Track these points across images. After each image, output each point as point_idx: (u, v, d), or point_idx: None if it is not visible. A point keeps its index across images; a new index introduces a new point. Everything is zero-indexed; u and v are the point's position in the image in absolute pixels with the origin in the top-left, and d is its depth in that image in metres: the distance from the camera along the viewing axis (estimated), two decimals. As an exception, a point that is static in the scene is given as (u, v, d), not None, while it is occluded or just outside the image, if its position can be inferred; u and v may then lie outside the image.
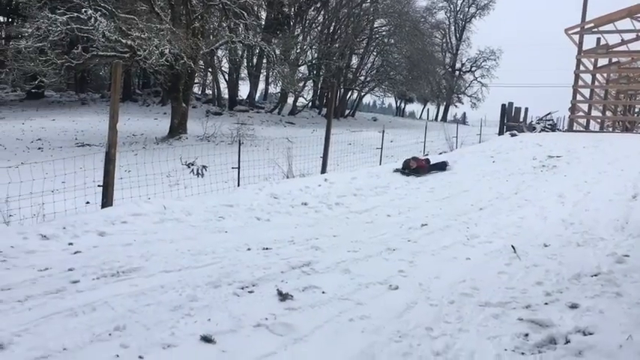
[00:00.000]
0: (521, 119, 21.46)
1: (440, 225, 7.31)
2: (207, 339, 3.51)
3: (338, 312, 4.15)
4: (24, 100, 29.45)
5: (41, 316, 3.78)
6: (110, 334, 3.52)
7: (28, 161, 11.72)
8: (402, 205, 8.88)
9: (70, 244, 5.66)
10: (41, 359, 3.16)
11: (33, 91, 25.39)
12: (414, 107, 59.60)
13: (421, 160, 12.15)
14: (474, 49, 58.52)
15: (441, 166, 12.39)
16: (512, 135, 18.21)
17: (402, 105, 52.66)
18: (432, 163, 12.46)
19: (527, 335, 3.79)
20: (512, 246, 6.04)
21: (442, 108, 51.29)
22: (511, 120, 20.83)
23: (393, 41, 32.34)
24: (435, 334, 3.82)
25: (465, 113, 57.95)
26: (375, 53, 34.28)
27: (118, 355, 3.23)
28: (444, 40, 49.15)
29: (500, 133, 20.09)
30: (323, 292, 4.53)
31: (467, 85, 51.00)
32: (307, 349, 3.52)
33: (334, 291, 4.57)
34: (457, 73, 50.41)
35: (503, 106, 20.80)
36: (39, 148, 16.91)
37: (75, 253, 5.42)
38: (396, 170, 11.76)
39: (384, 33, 33.27)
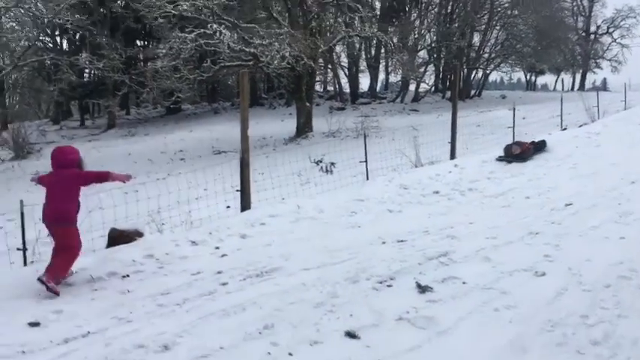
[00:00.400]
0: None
1: (586, 203, 6.82)
2: (351, 334, 3.58)
3: (481, 302, 4.03)
4: (164, 116, 31.87)
5: (198, 317, 4.08)
6: (260, 333, 3.72)
7: (173, 172, 12.68)
8: (542, 185, 8.40)
9: (217, 247, 6.04)
10: (202, 358, 3.41)
11: (171, 106, 27.39)
12: (546, 79, 55.91)
13: (525, 144, 10.55)
14: (610, 8, 53.73)
15: (540, 147, 10.70)
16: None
17: (533, 78, 49.70)
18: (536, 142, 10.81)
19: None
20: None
21: (578, 76, 47.70)
22: (659, 80, 18.86)
23: (516, 12, 30.64)
24: (592, 322, 3.58)
25: (605, 79, 53.29)
26: (497, 28, 32.69)
27: (269, 353, 3.39)
28: (574, 3, 45.64)
29: (648, 96, 18.26)
30: (463, 283, 4.42)
31: (605, 48, 46.95)
32: (452, 342, 3.46)
33: (475, 280, 4.45)
34: (592, 36, 46.59)
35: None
36: (181, 159, 18.21)
37: (222, 256, 5.77)
38: (499, 158, 10.20)
39: (506, 5, 31.61)
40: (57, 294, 4.73)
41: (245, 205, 7.95)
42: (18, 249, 6.45)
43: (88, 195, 9.03)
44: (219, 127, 25.30)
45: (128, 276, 5.26)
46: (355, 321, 3.80)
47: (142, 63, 26.25)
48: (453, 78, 23.82)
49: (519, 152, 10.13)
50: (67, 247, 5.08)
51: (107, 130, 27.35)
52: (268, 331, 3.74)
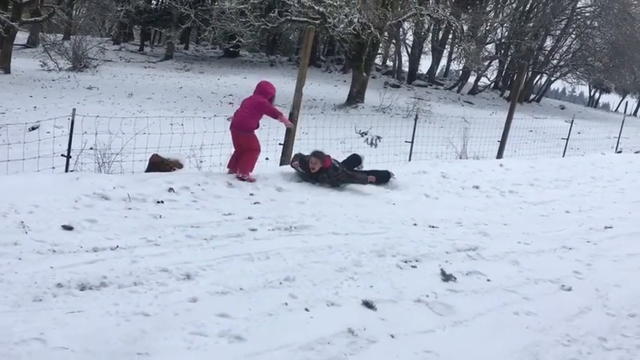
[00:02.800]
0: None
1: (627, 230, 6.63)
2: (368, 304, 3.60)
3: (502, 303, 3.99)
4: (221, 58, 32.01)
5: (223, 255, 4.16)
6: (281, 283, 3.77)
7: (220, 114, 12.79)
8: (584, 202, 8.19)
9: (251, 194, 6.11)
10: (221, 294, 3.48)
11: (230, 49, 27.47)
12: (610, 98, 54.04)
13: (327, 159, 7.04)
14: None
15: (384, 176, 7.49)
16: None
17: (597, 95, 48.14)
18: (367, 170, 7.58)
19: None
20: None
21: (644, 102, 45.93)
22: None
23: (596, 24, 29.50)
24: (609, 346, 3.51)
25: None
26: (573, 36, 31.58)
27: (286, 304, 3.44)
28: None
29: None
30: (488, 280, 4.38)
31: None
32: (467, 334, 3.45)
33: (500, 281, 4.40)
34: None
35: None
36: (230, 103, 18.32)
37: (254, 203, 5.84)
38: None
39: (587, 14, 30.45)
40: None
41: (285, 160, 7.99)
42: (63, 155, 6.65)
43: (138, 118, 9.22)
44: (273, 80, 25.24)
45: (162, 202, 5.38)
46: (374, 293, 3.82)
47: (210, 0, 26.26)
48: (516, 77, 23.20)
49: (317, 170, 6.99)
50: (250, 148, 6.62)
51: (164, 61, 27.64)
52: (289, 283, 3.79)
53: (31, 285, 3.25)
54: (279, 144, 8.16)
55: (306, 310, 3.41)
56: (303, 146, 8.88)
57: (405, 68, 33.34)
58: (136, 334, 2.85)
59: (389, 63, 37.47)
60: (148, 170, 6.70)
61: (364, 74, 20.13)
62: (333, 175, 6.91)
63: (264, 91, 6.78)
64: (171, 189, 5.72)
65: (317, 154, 6.95)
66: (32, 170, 6.18)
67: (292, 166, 7.08)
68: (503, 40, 31.23)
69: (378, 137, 11.76)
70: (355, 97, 20.05)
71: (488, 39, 29.90)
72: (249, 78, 25.08)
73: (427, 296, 3.89)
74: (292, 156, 7.29)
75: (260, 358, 2.78)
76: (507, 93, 31.80)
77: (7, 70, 17.41)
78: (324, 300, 3.58)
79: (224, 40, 23.87)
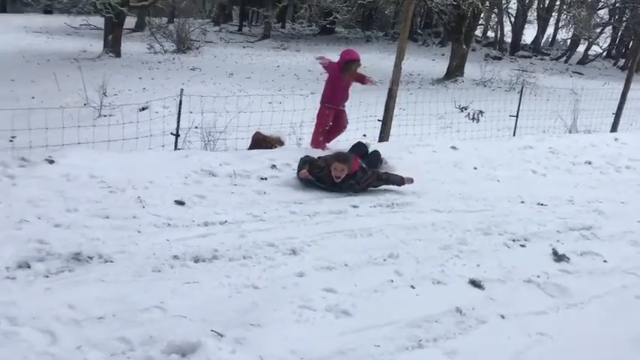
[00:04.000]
0: None
1: None
2: (475, 283, 3.50)
3: (621, 285, 3.75)
4: (317, 35, 32.12)
5: (326, 231, 4.20)
6: (385, 260, 3.76)
7: (317, 91, 12.86)
8: None
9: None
10: (326, 269, 3.53)
11: (327, 26, 27.50)
12: None
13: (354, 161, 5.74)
14: None
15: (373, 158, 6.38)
16: None
17: None
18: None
19: None
20: None
21: None
22: None
23: None
24: None
25: None
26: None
27: (392, 280, 3.43)
28: None
29: None
30: (604, 261, 4.13)
31: None
32: (582, 316, 3.27)
33: (618, 262, 4.13)
34: None
35: None
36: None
37: (356, 180, 5.83)
38: None
39: None
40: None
41: (383, 136, 7.92)
42: (172, 134, 6.98)
43: (239, 97, 9.47)
44: (369, 56, 25.07)
45: (266, 179, 5.50)
46: (481, 272, 3.71)
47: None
48: (632, 45, 21.48)
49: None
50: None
51: (261, 40, 28.16)
52: (392, 260, 3.77)
53: (150, 256, 3.45)
54: (378, 120, 8.09)
55: (412, 287, 3.38)
56: (401, 122, 8.76)
57: (508, 39, 31.82)
58: (248, 306, 2.95)
59: (490, 34, 35.97)
60: (251, 147, 6.88)
61: (464, 47, 19.44)
62: (363, 181, 5.45)
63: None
64: (273, 165, 5.83)
65: (341, 158, 5.39)
66: (145, 148, 6.53)
67: (301, 178, 5.41)
68: (617, 5, 28.91)
69: (481, 112, 11.34)
70: (454, 71, 19.43)
71: (601, 4, 27.81)
72: (345, 54, 24.98)
73: (538, 277, 3.72)
74: (299, 162, 5.57)
75: (367, 334, 2.79)
76: (622, 62, 29.54)
77: (118, 54, 18.46)
78: (429, 278, 3.52)
79: (320, 17, 23.92)
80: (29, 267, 3.13)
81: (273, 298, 3.05)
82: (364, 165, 5.73)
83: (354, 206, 4.90)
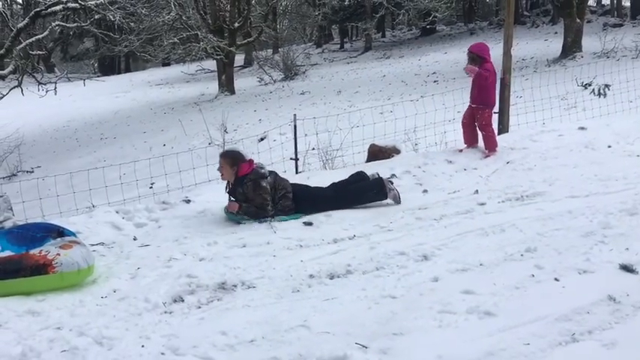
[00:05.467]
0: None
1: None
2: (627, 268, 3.27)
3: None
4: (418, 38, 31.76)
5: (456, 233, 4.13)
6: (522, 255, 3.62)
7: (426, 94, 12.70)
8: None
9: (474, 168, 5.95)
10: (461, 271, 3.47)
11: (427, 27, 27.13)
12: None
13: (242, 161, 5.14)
14: None
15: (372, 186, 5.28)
16: None
17: None
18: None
19: None
20: None
21: None
22: None
23: None
24: None
25: None
26: None
27: (533, 275, 3.29)
28: None
29: None
30: None
31: None
32: None
33: None
34: None
35: None
36: (434, 81, 18.09)
37: (479, 177, 5.68)
38: None
39: None
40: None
41: (503, 128, 7.64)
42: (291, 158, 7.24)
43: (350, 112, 9.62)
44: (475, 49, 24.29)
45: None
46: (632, 255, 3.44)
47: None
48: None
49: None
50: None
51: (364, 53, 28.37)
52: (530, 254, 3.62)
53: (288, 278, 3.59)
54: (494, 112, 7.83)
55: (556, 280, 3.22)
56: (519, 110, 8.40)
57: (626, 3, 29.41)
58: (388, 316, 2.97)
59: (605, 1, 33.49)
60: (368, 160, 6.94)
61: (577, 20, 18.25)
62: (248, 191, 4.78)
63: (474, 56, 6.50)
64: (393, 175, 5.84)
65: (224, 154, 5.02)
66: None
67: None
68: None
69: (607, 86, 10.54)
70: (571, 47, 18.27)
71: None
72: (450, 52, 24.46)
73: (698, 254, 3.39)
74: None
75: (515, 333, 2.70)
76: None
77: (232, 92, 19.49)
78: (573, 268, 3.34)
79: (419, 19, 23.65)
80: (183, 300, 3.39)
81: (412, 306, 3.05)
82: (269, 176, 4.95)
83: (481, 204, 4.77)
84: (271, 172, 5.04)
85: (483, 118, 6.45)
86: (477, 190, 5.14)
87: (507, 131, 7.58)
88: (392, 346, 2.65)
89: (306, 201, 4.96)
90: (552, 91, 9.41)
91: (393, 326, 2.85)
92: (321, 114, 10.12)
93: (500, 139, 6.90)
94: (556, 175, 5.37)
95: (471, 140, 6.60)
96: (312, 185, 5.29)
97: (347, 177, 5.38)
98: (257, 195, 4.81)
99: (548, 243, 3.76)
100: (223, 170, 4.95)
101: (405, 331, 2.79)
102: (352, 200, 5.05)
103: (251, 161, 4.97)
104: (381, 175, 5.25)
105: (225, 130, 11.89)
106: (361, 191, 5.09)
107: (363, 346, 2.65)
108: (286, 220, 4.79)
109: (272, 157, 7.20)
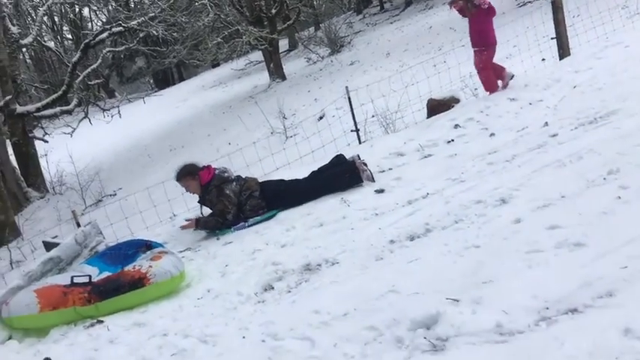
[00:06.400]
0: None
1: None
2: None
3: None
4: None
5: (531, 170, 4.01)
6: (604, 179, 3.46)
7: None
8: None
9: (540, 100, 5.73)
10: (543, 208, 3.36)
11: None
12: None
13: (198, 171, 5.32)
14: None
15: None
16: None
17: None
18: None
19: None
20: None
21: None
22: None
23: None
24: None
25: None
26: None
27: (619, 197, 3.15)
28: None
29: None
30: None
31: None
32: None
33: None
34: None
35: None
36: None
37: (546, 108, 5.47)
38: None
39: None
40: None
41: (563, 52, 7.31)
42: (352, 130, 7.23)
43: (402, 72, 9.46)
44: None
45: (453, 140, 5.42)
46: None
47: None
48: None
49: None
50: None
51: (405, 9, 27.68)
52: (613, 176, 3.45)
53: (369, 248, 3.62)
54: (552, 38, 7.48)
55: (644, 197, 3.06)
56: (578, 30, 7.96)
57: None
58: (474, 266, 2.94)
59: None
60: (429, 116, 6.82)
61: None
62: (214, 197, 4.91)
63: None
64: (456, 125, 5.72)
65: (179, 174, 5.09)
66: (332, 152, 6.84)
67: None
68: None
69: (668, -18, 9.75)
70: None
71: None
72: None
73: None
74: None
75: (610, 259, 2.59)
76: None
77: (283, 77, 19.59)
78: (661, 182, 3.16)
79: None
80: (273, 288, 3.50)
81: (498, 252, 3.00)
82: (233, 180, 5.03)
83: (553, 135, 4.60)
84: (237, 177, 5.10)
85: (481, 60, 6.39)
86: (546, 123, 4.95)
87: (569, 54, 7.24)
88: (483, 295, 2.62)
89: (278, 197, 4.95)
90: (610, 1, 8.84)
91: (481, 275, 2.81)
92: (373, 80, 10.00)
93: (563, 65, 6.60)
94: (628, 89, 5.07)
95: (497, 78, 6.50)
96: (289, 178, 5.20)
97: (327, 162, 5.25)
98: (219, 201, 4.87)
99: (630, 161, 3.57)
100: (190, 188, 5.06)
101: (494, 279, 2.75)
102: (327, 188, 4.92)
103: (209, 167, 5.06)
104: (354, 157, 5.10)
105: (284, 117, 12.01)
106: (335, 177, 4.98)
107: (455, 300, 2.64)
108: (260, 222, 4.77)
109: (333, 133, 7.20)
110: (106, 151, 17.06)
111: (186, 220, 5.00)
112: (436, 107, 6.77)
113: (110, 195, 11.38)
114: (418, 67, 8.59)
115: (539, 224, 3.15)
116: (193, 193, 5.14)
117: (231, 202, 4.88)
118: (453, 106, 6.60)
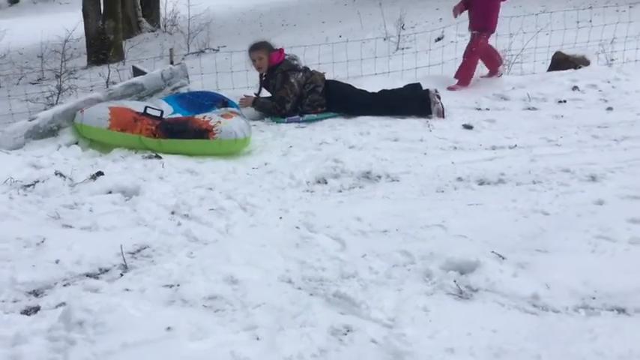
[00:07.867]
0: None
1: None
2: None
3: None
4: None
5: (636, 157, 3.62)
6: None
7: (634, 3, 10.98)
8: None
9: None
10: (632, 198, 3.04)
11: None
12: None
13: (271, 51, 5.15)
14: None
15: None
16: None
17: None
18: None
19: None
20: None
21: None
22: None
23: None
24: None
25: None
26: None
27: None
28: None
29: None
30: None
31: None
32: None
33: None
34: None
35: None
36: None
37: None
38: None
39: None
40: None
41: None
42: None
43: (539, 15, 8.68)
44: None
45: (565, 101, 5.00)
46: None
47: None
48: None
49: None
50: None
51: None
52: None
53: (434, 177, 3.46)
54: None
55: None
56: None
57: None
58: (535, 231, 2.73)
59: None
60: (550, 69, 6.27)
61: None
62: (281, 81, 4.74)
63: None
64: (575, 87, 5.24)
65: (255, 45, 4.94)
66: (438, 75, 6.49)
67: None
68: None
69: None
70: None
71: None
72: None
73: None
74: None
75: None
76: None
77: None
78: None
79: None
80: (326, 182, 3.44)
81: (566, 225, 2.76)
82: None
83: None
84: (304, 68, 4.93)
85: (475, 45, 5.60)
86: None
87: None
88: (532, 261, 2.44)
89: (340, 100, 4.76)
90: None
91: (538, 242, 2.61)
92: (506, 13, 9.27)
93: None
94: None
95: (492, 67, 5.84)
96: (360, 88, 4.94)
97: (402, 87, 4.98)
98: (282, 87, 4.73)
99: None
100: (259, 62, 4.88)
101: (550, 249, 2.54)
102: (392, 109, 4.68)
103: (281, 50, 4.91)
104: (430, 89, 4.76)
105: (402, 27, 11.48)
106: (403, 100, 4.71)
107: (500, 256, 2.48)
108: (314, 120, 4.59)
109: (444, 57, 6.80)
110: (223, 7, 17.13)
111: (245, 96, 4.93)
112: (561, 62, 6.21)
113: (213, 49, 11.48)
114: (558, 15, 7.84)
115: (621, 213, 2.85)
116: (258, 70, 4.99)
117: (292, 92, 4.75)
118: (579, 67, 6.03)
